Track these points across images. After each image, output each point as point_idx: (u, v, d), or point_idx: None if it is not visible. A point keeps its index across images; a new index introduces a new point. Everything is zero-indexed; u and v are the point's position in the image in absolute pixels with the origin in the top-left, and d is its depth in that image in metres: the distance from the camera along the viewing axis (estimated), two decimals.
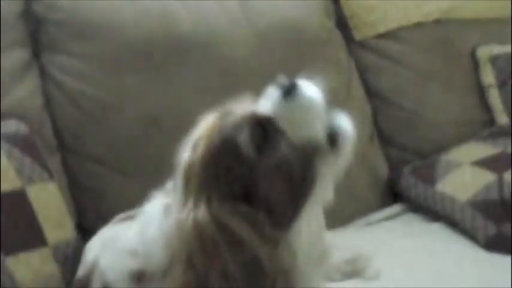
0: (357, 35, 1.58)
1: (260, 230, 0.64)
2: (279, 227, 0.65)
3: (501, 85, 1.61)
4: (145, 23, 1.28)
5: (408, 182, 1.41)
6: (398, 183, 1.44)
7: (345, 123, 0.68)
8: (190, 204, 0.65)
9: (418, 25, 1.62)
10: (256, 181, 0.65)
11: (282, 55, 1.42)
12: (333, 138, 0.67)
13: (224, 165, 0.65)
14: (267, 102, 0.68)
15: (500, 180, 1.24)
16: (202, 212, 0.64)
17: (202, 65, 1.28)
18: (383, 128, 1.55)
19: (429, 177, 1.37)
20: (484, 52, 1.64)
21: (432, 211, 1.33)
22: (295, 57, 1.44)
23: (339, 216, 1.38)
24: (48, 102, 1.19)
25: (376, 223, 1.37)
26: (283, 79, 0.67)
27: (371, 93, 1.56)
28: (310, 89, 0.67)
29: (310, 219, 0.68)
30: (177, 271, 0.64)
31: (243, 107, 0.69)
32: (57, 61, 1.22)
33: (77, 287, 0.84)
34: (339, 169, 0.68)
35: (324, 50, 1.51)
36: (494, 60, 1.63)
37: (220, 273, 0.63)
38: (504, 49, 1.64)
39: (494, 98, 1.60)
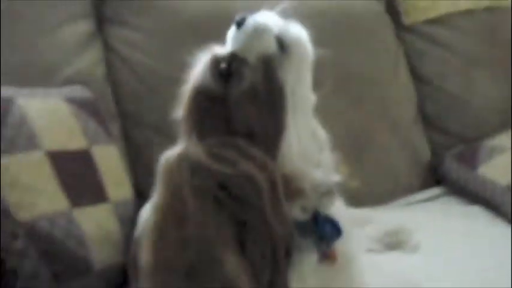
0: (406, 20, 1.61)
1: (247, 153, 0.68)
2: (267, 145, 0.70)
3: None
4: (202, 1, 1.34)
5: (450, 165, 1.44)
6: (441, 166, 1.47)
7: (293, 29, 0.73)
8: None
9: (468, 12, 1.63)
10: (232, 112, 0.70)
11: (332, 36, 1.44)
12: (284, 44, 0.72)
13: (201, 107, 0.72)
14: (228, 41, 0.75)
15: None
16: (175, 151, 0.70)
17: None
18: (428, 112, 1.57)
19: (472, 161, 1.39)
20: None
21: (472, 194, 1.36)
22: (344, 39, 1.47)
23: (380, 196, 1.42)
24: (110, 71, 1.27)
25: (416, 203, 1.40)
26: (237, 16, 0.74)
27: (417, 77, 1.59)
28: (259, 15, 0.73)
29: (300, 127, 0.72)
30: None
31: (208, 53, 0.75)
32: (120, 34, 1.29)
33: (136, 244, 0.91)
34: (300, 70, 0.73)
35: (373, 33, 1.54)
36: None
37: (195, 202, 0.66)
38: None
39: None
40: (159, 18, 1.29)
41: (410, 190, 1.46)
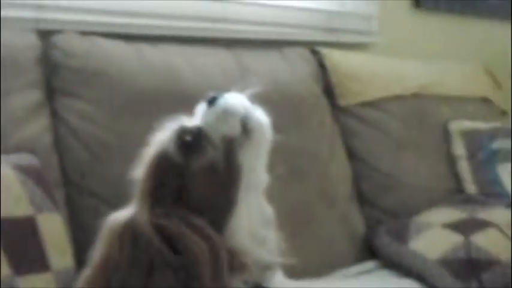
0: (342, 102, 1.72)
1: (195, 226, 0.72)
2: (217, 219, 0.74)
3: (470, 157, 1.75)
4: (150, 74, 1.39)
5: (383, 240, 1.51)
6: (374, 240, 1.54)
7: (258, 115, 0.80)
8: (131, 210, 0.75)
9: (398, 97, 1.77)
10: (188, 183, 0.75)
11: (273, 115, 1.53)
12: (247, 128, 0.78)
13: (160, 174, 0.76)
14: (197, 116, 0.80)
15: (467, 242, 1.34)
16: (122, 217, 0.74)
17: None
18: (362, 188, 1.66)
19: (402, 236, 1.47)
20: (456, 126, 1.79)
21: (404, 268, 1.43)
22: (285, 119, 1.55)
23: (318, 269, 1.46)
24: (57, 140, 1.28)
25: (352, 276, 1.45)
26: (209, 94, 0.79)
27: (352, 156, 1.69)
28: (230, 97, 0.79)
29: (250, 205, 0.77)
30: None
31: (177, 122, 0.80)
32: (68, 104, 1.31)
33: None
34: (258, 153, 0.79)
35: (311, 113, 1.64)
36: (464, 134, 1.78)
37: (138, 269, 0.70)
38: (474, 125, 1.80)
39: (464, 169, 1.73)
40: (108, 90, 1.32)
41: (346, 263, 1.51)
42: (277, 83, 1.59)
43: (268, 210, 0.81)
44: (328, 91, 1.72)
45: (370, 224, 1.61)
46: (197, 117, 0.80)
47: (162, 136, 0.79)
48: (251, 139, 0.77)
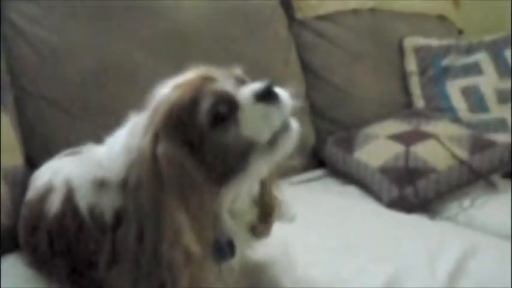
0: (299, 15, 1.73)
1: (199, 177, 0.77)
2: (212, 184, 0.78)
3: (421, 73, 1.79)
4: None
5: (331, 149, 1.57)
6: (323, 151, 1.60)
7: (291, 129, 0.82)
8: (149, 137, 0.77)
9: (354, 12, 1.79)
10: (201, 144, 0.77)
11: (227, 24, 1.54)
12: (275, 139, 0.79)
13: (184, 119, 0.77)
14: (247, 90, 0.79)
15: (407, 152, 1.41)
16: (160, 147, 0.76)
17: (152, 24, 1.39)
18: (314, 101, 1.70)
19: (349, 147, 1.53)
20: (410, 42, 1.82)
21: (349, 175, 1.50)
22: (239, 29, 1.57)
23: None
24: (4, 42, 1.27)
25: (299, 183, 1.52)
26: (268, 82, 0.80)
27: (306, 69, 1.71)
28: (282, 102, 0.80)
29: (239, 192, 0.82)
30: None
31: (224, 81, 0.80)
32: (16, 5, 1.29)
33: (28, 207, 0.94)
34: (271, 164, 0.82)
35: (267, 25, 1.64)
36: (418, 50, 1.81)
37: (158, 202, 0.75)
38: (427, 41, 1.83)
39: (415, 84, 1.78)
40: None
41: (295, 172, 1.57)
42: None
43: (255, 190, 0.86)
44: (285, 3, 1.72)
45: (320, 136, 1.66)
46: (246, 91, 0.79)
47: (204, 83, 0.78)
48: (273, 151, 0.79)
